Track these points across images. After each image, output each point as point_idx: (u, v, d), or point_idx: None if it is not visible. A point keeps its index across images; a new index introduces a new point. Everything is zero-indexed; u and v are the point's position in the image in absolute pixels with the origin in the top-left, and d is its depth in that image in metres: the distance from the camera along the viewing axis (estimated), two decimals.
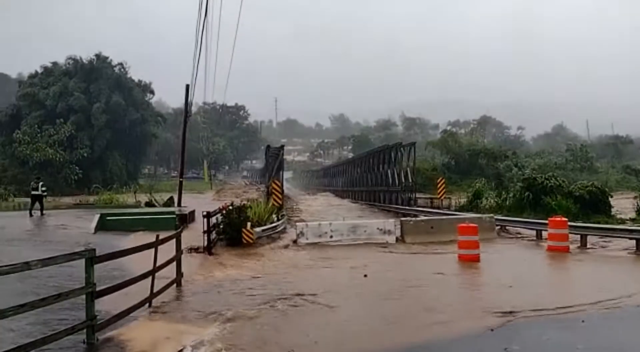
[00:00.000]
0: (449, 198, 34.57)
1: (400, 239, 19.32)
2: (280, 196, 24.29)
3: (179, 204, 28.91)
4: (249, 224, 17.84)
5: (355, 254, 16.47)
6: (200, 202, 38.31)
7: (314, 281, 11.70)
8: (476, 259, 14.64)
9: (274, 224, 20.98)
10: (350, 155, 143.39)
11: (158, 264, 9.65)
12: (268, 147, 36.65)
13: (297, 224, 20.07)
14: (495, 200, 28.97)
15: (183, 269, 11.54)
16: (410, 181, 35.12)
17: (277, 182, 25.96)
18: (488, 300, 10.04)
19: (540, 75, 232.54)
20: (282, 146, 37.15)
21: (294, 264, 14.68)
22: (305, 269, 13.67)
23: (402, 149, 36.75)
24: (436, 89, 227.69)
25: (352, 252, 16.95)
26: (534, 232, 19.64)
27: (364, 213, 32.77)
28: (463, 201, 32.41)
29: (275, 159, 34.90)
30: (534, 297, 10.12)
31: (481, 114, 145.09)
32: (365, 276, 12.12)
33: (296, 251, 17.47)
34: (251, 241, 17.75)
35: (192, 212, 25.44)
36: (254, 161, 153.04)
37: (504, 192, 30.13)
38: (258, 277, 12.37)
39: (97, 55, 73.76)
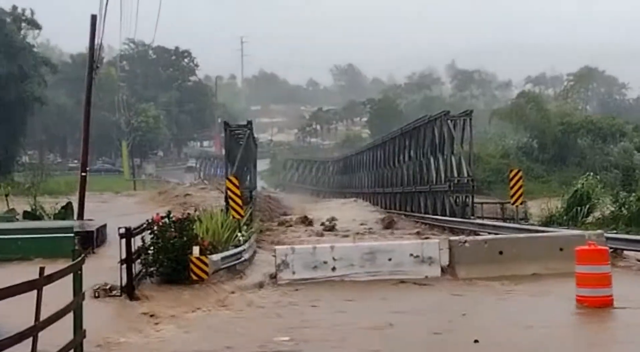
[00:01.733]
0: (525, 202, 34.53)
1: (449, 271, 19.38)
2: (239, 202, 24.34)
3: (81, 215, 28.81)
4: (196, 248, 17.74)
5: (378, 299, 16.38)
6: (118, 211, 38.24)
7: None
8: (609, 303, 14.71)
9: (239, 249, 20.91)
10: (366, 132, 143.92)
11: (44, 316, 9.47)
12: (226, 125, 36.58)
13: (277, 248, 20.05)
14: (610, 206, 29.04)
15: (86, 325, 11.36)
16: (466, 175, 35.12)
17: (235, 180, 25.92)
18: None
19: None
20: (249, 123, 37.12)
21: (278, 321, 14.48)
22: (298, 329, 13.41)
23: (450, 122, 36.71)
24: (505, 26, 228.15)
25: (371, 296, 16.85)
26: None
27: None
28: (556, 207, 32.33)
29: (237, 143, 34.93)
30: None
31: (581, 65, 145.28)
32: (477, 341, 11.98)
33: (278, 295, 17.38)
34: (204, 277, 17.69)
35: (103, 229, 25.35)
36: (205, 143, 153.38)
37: (621, 195, 30.20)
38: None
39: None
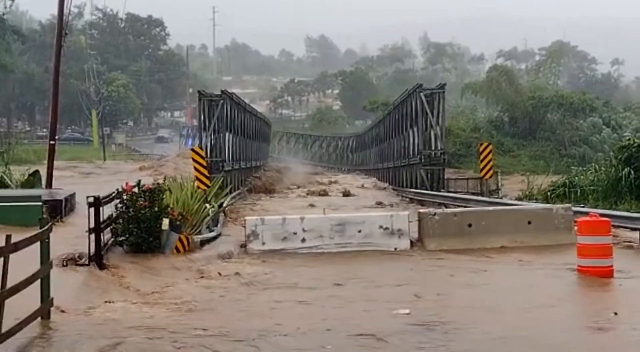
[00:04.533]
0: (497, 172, 34.97)
1: (418, 244, 19.49)
2: (205, 172, 24.35)
3: (49, 184, 28.63)
4: (166, 220, 17.73)
5: (348, 272, 16.37)
6: (89, 180, 38.06)
7: (283, 328, 11.37)
8: (609, 274, 15.07)
9: (214, 233, 21.25)
10: (337, 104, 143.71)
11: (10, 283, 9.44)
12: (201, 94, 36.31)
13: (247, 219, 20.06)
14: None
15: (54, 294, 11.33)
16: (439, 147, 35.32)
17: (200, 151, 25.91)
18: None
19: None
20: (224, 93, 36.79)
21: (246, 292, 14.49)
22: (265, 304, 13.29)
23: (423, 95, 36.78)
24: None
25: (341, 269, 16.87)
26: (637, 235, 19.84)
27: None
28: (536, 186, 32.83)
29: (211, 112, 34.78)
30: None
31: (553, 39, 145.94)
32: (615, 313, 11.91)
33: (247, 265, 17.35)
34: (186, 249, 18.33)
35: (72, 197, 25.22)
36: (176, 113, 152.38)
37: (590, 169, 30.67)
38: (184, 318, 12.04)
39: None
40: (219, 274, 15.99)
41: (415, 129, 38.03)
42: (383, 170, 52.42)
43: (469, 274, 16.12)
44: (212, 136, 34.26)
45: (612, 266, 15.13)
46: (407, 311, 12.18)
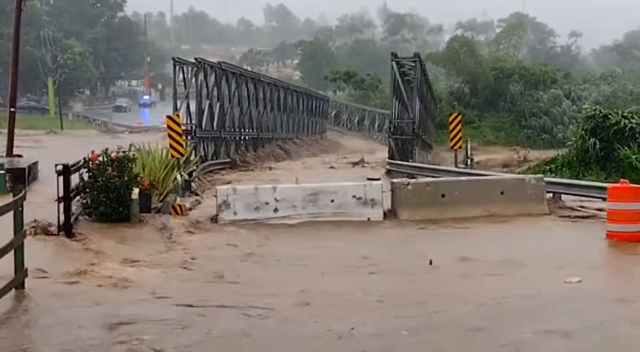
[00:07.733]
0: (467, 141, 35.09)
1: (391, 214, 19.47)
2: (180, 140, 24.07)
3: (10, 152, 28.08)
4: (136, 190, 17.44)
5: (324, 244, 16.34)
6: (48, 149, 37.48)
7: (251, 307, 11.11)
8: (638, 238, 15.59)
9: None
10: (297, 74, 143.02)
11: None
12: (175, 61, 35.94)
13: (218, 188, 19.94)
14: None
15: (28, 263, 11.10)
16: (412, 117, 35.37)
17: (176, 118, 25.63)
18: None
19: None
20: (197, 60, 36.24)
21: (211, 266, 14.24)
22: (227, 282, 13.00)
23: (395, 65, 36.73)
24: None
25: (314, 241, 16.83)
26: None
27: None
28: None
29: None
30: None
31: (511, 11, 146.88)
32: None
33: (216, 236, 17.23)
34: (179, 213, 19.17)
35: (34, 166, 24.76)
36: (133, 82, 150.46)
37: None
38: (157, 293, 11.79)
39: None
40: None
41: (394, 99, 38.06)
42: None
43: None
44: (187, 104, 34.20)
45: None
46: (578, 279, 12.18)
